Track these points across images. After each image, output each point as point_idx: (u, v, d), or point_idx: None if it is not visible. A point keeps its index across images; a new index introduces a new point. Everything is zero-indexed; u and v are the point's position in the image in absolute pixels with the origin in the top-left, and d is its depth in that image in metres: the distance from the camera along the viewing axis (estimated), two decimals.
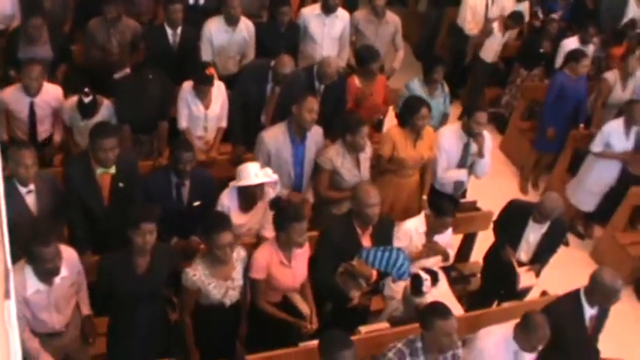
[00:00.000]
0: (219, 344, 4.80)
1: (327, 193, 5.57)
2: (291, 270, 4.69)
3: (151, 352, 4.61)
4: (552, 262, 5.81)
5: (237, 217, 4.94)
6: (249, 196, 4.95)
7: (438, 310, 4.11)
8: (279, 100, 6.00)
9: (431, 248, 5.33)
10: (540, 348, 4.34)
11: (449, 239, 5.54)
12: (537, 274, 5.64)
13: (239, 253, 4.54)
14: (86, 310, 4.56)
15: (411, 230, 5.30)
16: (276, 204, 4.96)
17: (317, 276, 4.88)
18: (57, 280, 4.15)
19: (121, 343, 4.66)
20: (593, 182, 7.23)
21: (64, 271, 4.16)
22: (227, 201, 4.99)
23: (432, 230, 5.36)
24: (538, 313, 4.39)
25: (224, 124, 6.08)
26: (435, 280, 5.06)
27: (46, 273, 4.07)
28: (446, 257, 5.49)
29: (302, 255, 4.76)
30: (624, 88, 7.64)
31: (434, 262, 5.41)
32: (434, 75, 6.41)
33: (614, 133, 6.92)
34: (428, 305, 4.31)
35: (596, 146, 7.01)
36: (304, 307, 4.77)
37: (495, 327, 4.50)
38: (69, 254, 4.26)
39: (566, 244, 7.24)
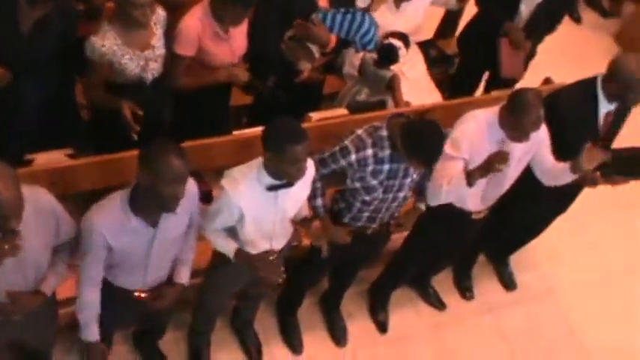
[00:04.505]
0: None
1: None
2: (228, 42, 4.02)
3: (43, 138, 4.00)
4: (562, 46, 5.05)
5: None
6: None
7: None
8: None
9: None
10: (532, 135, 3.61)
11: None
12: (529, 57, 4.89)
13: (158, 14, 3.84)
14: None
15: None
16: None
17: (258, 42, 4.23)
18: None
19: (4, 125, 4.00)
20: None
21: None
22: None
23: None
24: (530, 90, 3.68)
25: None
26: (406, 44, 4.36)
27: None
28: None
29: None
30: None
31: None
32: None
33: None
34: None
35: None
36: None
37: (480, 110, 3.79)
38: None
39: (578, 19, 6.31)
